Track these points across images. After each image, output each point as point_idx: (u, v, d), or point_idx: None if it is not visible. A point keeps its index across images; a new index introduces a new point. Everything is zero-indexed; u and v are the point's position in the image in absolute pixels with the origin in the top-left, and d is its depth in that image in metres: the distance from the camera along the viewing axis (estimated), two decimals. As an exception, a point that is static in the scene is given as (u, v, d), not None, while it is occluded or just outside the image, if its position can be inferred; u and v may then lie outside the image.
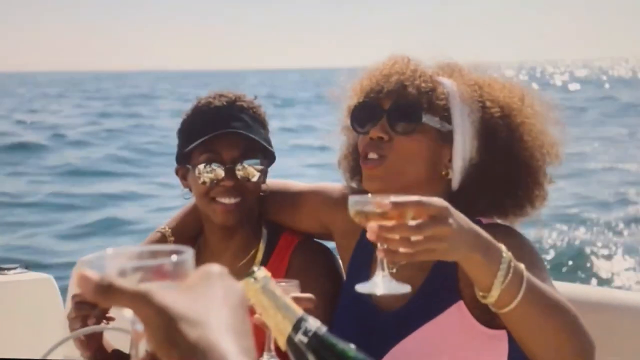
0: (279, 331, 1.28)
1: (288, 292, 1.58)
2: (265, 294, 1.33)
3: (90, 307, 1.95)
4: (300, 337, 1.25)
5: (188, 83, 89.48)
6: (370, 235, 1.55)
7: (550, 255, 10.88)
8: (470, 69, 2.12)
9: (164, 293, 0.84)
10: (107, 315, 1.97)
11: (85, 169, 20.42)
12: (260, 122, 2.25)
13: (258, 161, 2.21)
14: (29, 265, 3.34)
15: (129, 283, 0.84)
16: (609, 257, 11.00)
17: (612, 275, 10.21)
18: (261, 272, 1.35)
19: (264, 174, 2.24)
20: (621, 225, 13.04)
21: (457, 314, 1.93)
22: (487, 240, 1.64)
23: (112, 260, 0.87)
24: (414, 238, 1.53)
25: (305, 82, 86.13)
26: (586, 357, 1.74)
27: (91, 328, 1.95)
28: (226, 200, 2.18)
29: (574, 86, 64.04)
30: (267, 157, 2.25)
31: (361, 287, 1.59)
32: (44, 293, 3.18)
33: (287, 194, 2.32)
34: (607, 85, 64.56)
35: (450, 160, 1.99)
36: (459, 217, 1.60)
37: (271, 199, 2.30)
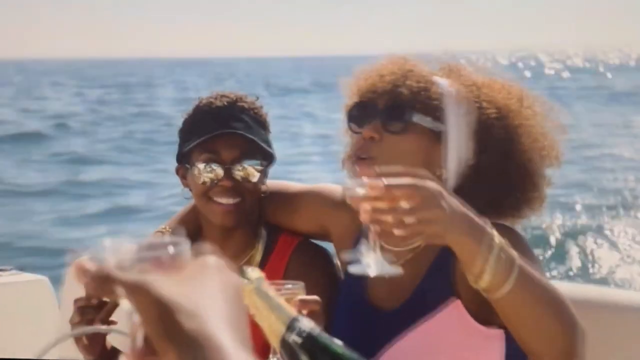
0: (273, 332, 1.28)
1: (295, 294, 1.58)
2: (258, 294, 1.33)
3: (94, 312, 1.93)
4: (293, 338, 1.25)
5: (182, 71, 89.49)
6: (363, 217, 1.57)
7: (551, 243, 10.90)
8: (471, 70, 2.10)
9: (161, 284, 0.85)
10: (110, 319, 1.95)
11: (90, 158, 20.52)
12: (261, 124, 2.25)
13: (258, 162, 2.20)
14: (23, 267, 3.34)
15: (127, 274, 0.85)
16: (610, 245, 11.03)
17: (615, 266, 10.21)
18: (254, 273, 1.35)
19: (263, 175, 2.24)
20: (621, 212, 13.10)
21: (454, 312, 1.93)
22: (479, 225, 1.65)
23: (110, 252, 0.88)
24: (406, 220, 1.55)
25: (300, 70, 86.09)
26: (577, 344, 1.75)
27: (90, 328, 1.93)
28: (224, 201, 2.17)
29: (567, 74, 64.15)
30: (267, 158, 2.24)
31: (354, 268, 1.61)
32: (39, 294, 3.18)
33: (286, 195, 2.31)
34: (600, 74, 64.62)
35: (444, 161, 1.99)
36: (452, 201, 1.61)
37: (269, 200, 2.30)
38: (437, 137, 1.97)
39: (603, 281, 9.58)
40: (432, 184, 1.59)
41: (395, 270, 1.62)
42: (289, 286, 1.58)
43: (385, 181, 1.54)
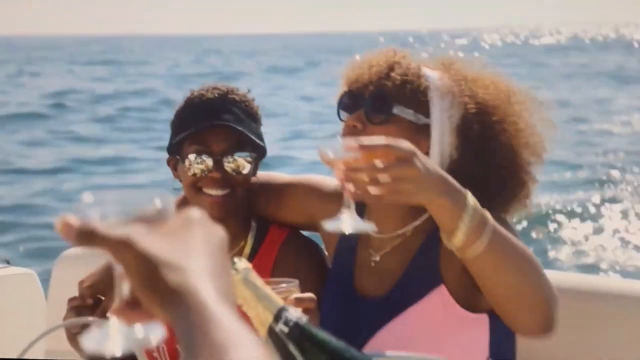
0: (260, 322, 1.31)
1: (290, 292, 1.60)
2: (246, 285, 1.35)
3: (89, 312, 1.94)
4: (281, 327, 1.28)
5: (170, 48, 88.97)
6: (337, 175, 1.60)
7: (543, 222, 10.91)
8: (465, 63, 2.10)
9: (146, 239, 0.86)
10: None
11: (91, 135, 20.49)
12: (251, 116, 2.26)
13: (248, 154, 2.21)
14: (9, 260, 3.33)
15: (111, 229, 0.86)
16: (600, 223, 11.07)
17: (607, 249, 10.22)
18: (242, 263, 1.38)
19: (254, 167, 2.25)
20: (611, 189, 13.15)
21: (440, 298, 1.95)
22: (453, 185, 1.69)
23: (94, 206, 0.88)
24: (381, 178, 1.58)
25: (288, 48, 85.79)
26: (548, 306, 1.78)
27: (78, 320, 1.94)
28: (213, 192, 2.19)
29: (555, 51, 64.27)
30: (258, 150, 2.26)
31: (329, 225, 1.64)
32: (26, 288, 3.17)
33: (274, 186, 2.33)
34: (587, 51, 64.74)
35: (427, 154, 1.98)
36: (426, 161, 1.64)
37: (258, 192, 2.31)
38: (418, 130, 1.98)
39: (592, 261, 9.61)
40: (406, 144, 1.62)
41: (370, 226, 1.66)
42: (284, 285, 1.59)
43: (360, 140, 1.58)
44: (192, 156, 2.19)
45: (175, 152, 2.26)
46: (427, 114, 2.00)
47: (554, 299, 1.79)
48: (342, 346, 1.23)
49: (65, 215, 0.87)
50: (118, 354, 0.88)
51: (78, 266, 2.70)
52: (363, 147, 1.57)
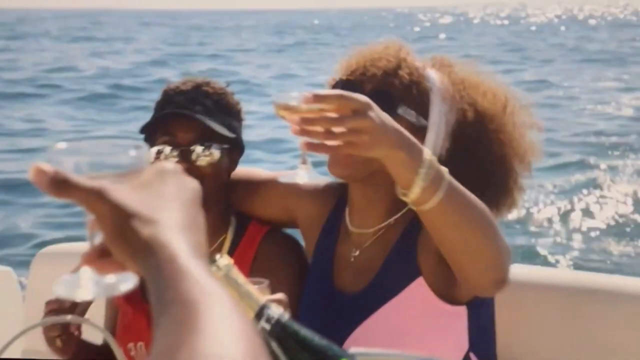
0: (242, 319, 1.31)
1: (260, 293, 1.60)
2: (227, 281, 1.36)
3: (68, 314, 1.95)
4: (262, 325, 1.29)
5: (153, 23, 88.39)
6: (293, 129, 1.61)
7: (543, 206, 10.95)
8: (463, 67, 2.12)
9: (118, 190, 0.87)
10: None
11: (88, 115, 20.45)
12: (225, 109, 2.27)
13: (217, 145, 2.21)
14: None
15: (84, 179, 0.87)
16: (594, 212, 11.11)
17: (601, 238, 10.26)
18: (223, 260, 1.39)
19: (228, 160, 2.26)
20: (602, 174, 13.19)
21: (418, 290, 1.98)
22: (410, 139, 1.69)
23: (68, 155, 0.88)
24: (335, 130, 1.59)
25: (271, 25, 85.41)
26: (502, 261, 1.79)
27: (55, 319, 1.94)
28: None
29: (540, 30, 64.47)
30: (229, 143, 2.26)
31: (284, 178, 1.68)
32: (2, 286, 3.16)
33: (252, 182, 2.34)
34: (573, 30, 64.98)
35: None
36: (382, 115, 1.65)
37: (237, 188, 2.33)
38: (415, 131, 1.96)
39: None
40: (361, 96, 1.63)
41: (324, 178, 1.67)
42: (255, 286, 1.60)
43: (314, 92, 1.59)
44: (166, 148, 2.20)
45: (151, 144, 2.26)
46: (426, 116, 2.01)
47: (508, 255, 1.81)
48: (324, 343, 1.24)
49: (39, 163, 0.87)
50: (88, 298, 0.91)
51: (56, 264, 2.71)
52: (317, 98, 1.57)
